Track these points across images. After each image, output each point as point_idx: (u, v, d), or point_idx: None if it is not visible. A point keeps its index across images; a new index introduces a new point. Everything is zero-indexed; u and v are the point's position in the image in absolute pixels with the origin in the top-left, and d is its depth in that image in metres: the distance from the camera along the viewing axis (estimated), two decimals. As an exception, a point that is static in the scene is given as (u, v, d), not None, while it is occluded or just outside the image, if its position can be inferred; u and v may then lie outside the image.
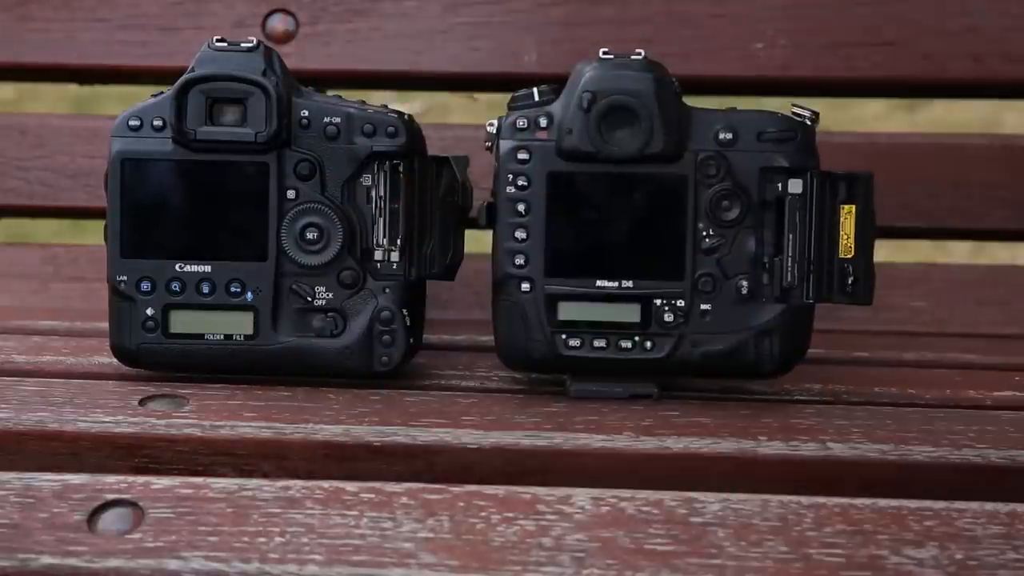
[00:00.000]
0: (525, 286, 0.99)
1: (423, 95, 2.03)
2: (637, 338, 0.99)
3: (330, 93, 1.03)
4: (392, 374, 1.02)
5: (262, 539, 0.81)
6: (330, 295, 1.01)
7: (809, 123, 0.99)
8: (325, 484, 0.85)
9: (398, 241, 1.01)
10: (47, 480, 0.84)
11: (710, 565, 0.81)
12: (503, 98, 1.01)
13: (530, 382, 1.04)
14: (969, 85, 1.34)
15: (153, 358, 1.01)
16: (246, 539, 0.81)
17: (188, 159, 1.00)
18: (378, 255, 1.02)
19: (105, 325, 1.02)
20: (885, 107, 2.49)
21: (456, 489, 0.85)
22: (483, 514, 0.83)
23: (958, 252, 2.12)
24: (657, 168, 0.98)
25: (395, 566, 0.80)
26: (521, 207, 0.99)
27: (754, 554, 0.81)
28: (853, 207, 0.98)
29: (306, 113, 1.00)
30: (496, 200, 0.99)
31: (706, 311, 0.99)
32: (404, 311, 1.01)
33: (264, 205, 1.00)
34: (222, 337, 1.01)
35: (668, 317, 0.99)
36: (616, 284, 0.99)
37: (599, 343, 0.99)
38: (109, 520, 0.82)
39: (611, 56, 0.99)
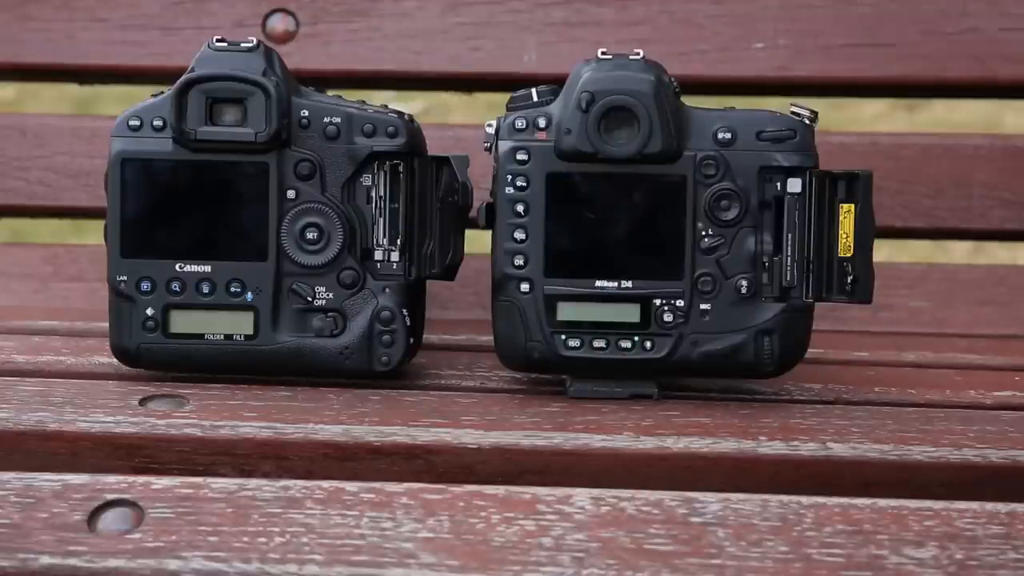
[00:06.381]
0: (524, 286, 0.99)
1: (423, 95, 2.03)
2: (637, 338, 0.99)
3: (330, 93, 1.03)
4: (392, 374, 1.02)
5: (262, 539, 0.81)
6: (330, 295, 1.01)
7: (808, 122, 0.99)
8: (325, 484, 0.85)
9: (398, 241, 1.01)
10: (47, 480, 0.84)
11: (710, 565, 0.81)
12: (503, 98, 1.01)
13: (530, 382, 1.04)
14: (969, 85, 1.34)
15: (153, 358, 1.01)
16: (246, 539, 0.81)
17: (188, 159, 1.00)
18: (378, 255, 1.02)
19: (105, 325, 1.02)
20: (885, 107, 2.49)
21: (456, 489, 0.85)
22: (483, 514, 0.83)
23: (958, 252, 2.12)
24: (656, 168, 0.98)
25: (395, 566, 0.80)
26: (520, 208, 0.99)
27: (754, 554, 0.81)
28: (852, 206, 0.98)
29: (306, 113, 1.00)
30: (495, 201, 0.99)
31: (706, 311, 0.99)
32: (404, 311, 1.01)
33: (264, 205, 1.00)
34: (222, 337, 1.01)
35: (667, 317, 0.99)
36: (615, 284, 0.99)
37: (599, 343, 0.99)
38: (109, 520, 0.82)
39: (610, 56, 0.99)
